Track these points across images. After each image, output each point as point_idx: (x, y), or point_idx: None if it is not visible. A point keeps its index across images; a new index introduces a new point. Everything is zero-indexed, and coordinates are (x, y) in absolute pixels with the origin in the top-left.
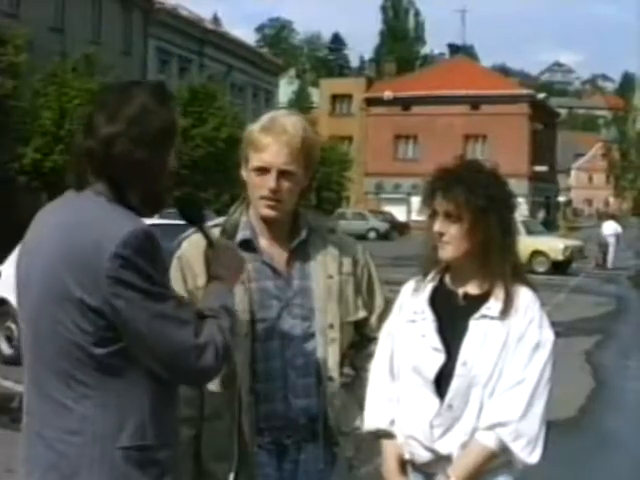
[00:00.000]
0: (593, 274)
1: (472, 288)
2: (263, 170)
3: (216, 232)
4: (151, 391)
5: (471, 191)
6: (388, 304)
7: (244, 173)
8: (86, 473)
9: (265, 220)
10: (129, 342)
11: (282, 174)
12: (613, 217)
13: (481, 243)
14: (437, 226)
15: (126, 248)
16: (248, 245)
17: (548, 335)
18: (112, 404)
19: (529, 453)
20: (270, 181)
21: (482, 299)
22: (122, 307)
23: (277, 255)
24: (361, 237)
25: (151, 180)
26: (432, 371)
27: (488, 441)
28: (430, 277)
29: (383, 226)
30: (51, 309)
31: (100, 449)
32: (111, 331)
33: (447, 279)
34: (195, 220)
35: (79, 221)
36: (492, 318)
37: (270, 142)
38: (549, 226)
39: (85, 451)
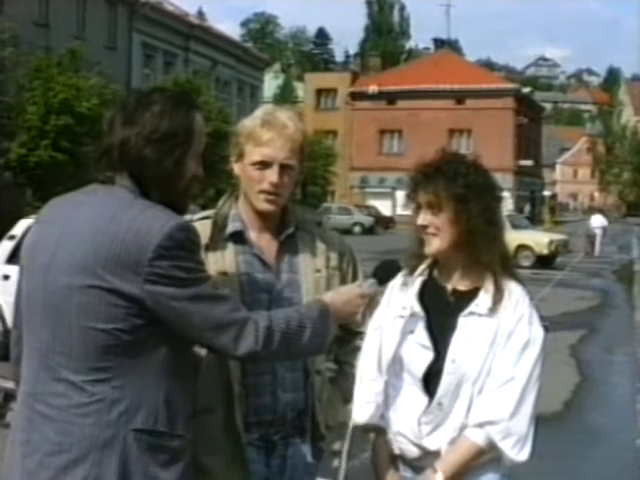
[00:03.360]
0: (578, 268)
1: (461, 283)
2: (264, 164)
3: (207, 224)
4: (167, 380)
5: (450, 180)
6: (371, 299)
7: (237, 167)
8: (95, 454)
9: (259, 213)
10: (171, 326)
11: (283, 168)
12: (600, 211)
13: (465, 232)
14: (420, 219)
15: (171, 240)
16: (238, 237)
17: (538, 332)
18: (128, 387)
19: (518, 451)
20: (272, 175)
21: (471, 295)
22: (162, 294)
23: (266, 248)
24: (346, 231)
25: (167, 181)
26: (420, 369)
27: (477, 438)
28: (419, 271)
29: (368, 220)
30: (79, 297)
31: (114, 430)
32: (142, 319)
33: (436, 273)
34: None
35: (116, 214)
36: (480, 315)
37: (273, 137)
38: (534, 220)
39: (97, 433)
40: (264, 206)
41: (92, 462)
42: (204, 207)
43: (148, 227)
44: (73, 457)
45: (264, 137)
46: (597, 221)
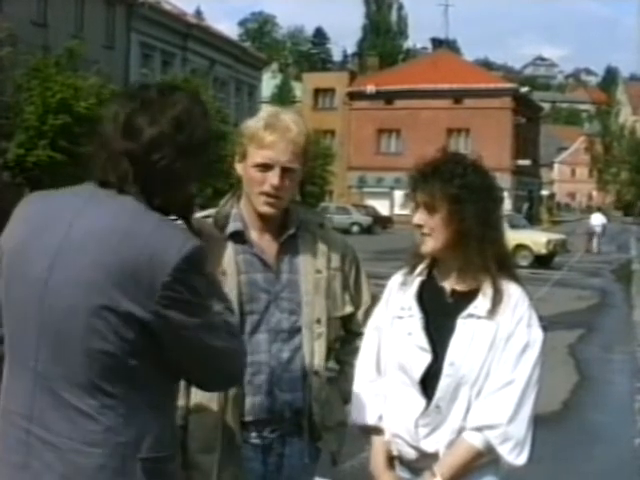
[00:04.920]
0: (576, 268)
1: (459, 283)
2: (266, 166)
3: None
4: (169, 402)
5: (446, 181)
6: (374, 300)
7: (240, 167)
8: None
9: (260, 214)
10: (176, 353)
11: (285, 171)
12: (600, 210)
13: (458, 233)
14: (416, 218)
15: (188, 263)
16: (239, 237)
17: (537, 334)
18: (134, 414)
19: (516, 456)
20: (274, 178)
21: (470, 296)
22: (173, 320)
23: (267, 248)
24: (344, 231)
25: (178, 190)
26: (418, 371)
27: (475, 441)
28: (418, 271)
29: (366, 220)
30: (87, 319)
31: (121, 460)
32: (151, 343)
33: (435, 273)
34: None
35: (129, 229)
36: (479, 317)
37: (276, 139)
38: (532, 220)
39: (105, 463)
40: (264, 209)
41: None
42: (203, 207)
43: (164, 247)
44: None
45: (267, 139)
46: (597, 219)
